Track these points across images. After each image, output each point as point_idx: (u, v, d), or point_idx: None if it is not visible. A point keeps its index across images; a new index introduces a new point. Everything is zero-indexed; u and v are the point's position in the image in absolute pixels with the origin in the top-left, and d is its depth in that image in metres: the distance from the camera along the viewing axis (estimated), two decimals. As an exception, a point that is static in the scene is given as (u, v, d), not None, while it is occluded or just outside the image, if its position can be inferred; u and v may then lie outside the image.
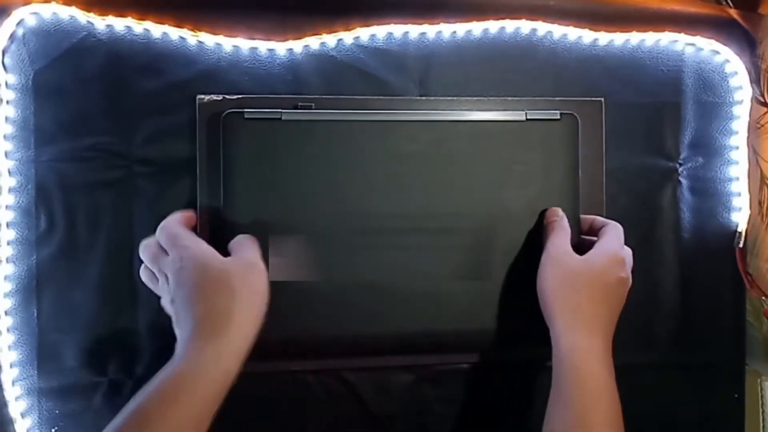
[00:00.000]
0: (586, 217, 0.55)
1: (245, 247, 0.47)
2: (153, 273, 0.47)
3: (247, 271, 0.44)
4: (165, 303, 0.46)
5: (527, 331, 0.53)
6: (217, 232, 0.51)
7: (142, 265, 0.48)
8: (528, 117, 0.55)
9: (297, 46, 0.55)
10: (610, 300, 0.48)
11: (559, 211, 0.52)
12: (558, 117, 0.55)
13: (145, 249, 0.47)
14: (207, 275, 0.43)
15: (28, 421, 0.52)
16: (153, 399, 0.39)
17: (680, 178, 0.59)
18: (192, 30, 0.53)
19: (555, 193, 0.55)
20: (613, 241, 0.49)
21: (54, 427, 0.53)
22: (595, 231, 0.53)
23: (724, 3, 0.58)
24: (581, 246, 0.51)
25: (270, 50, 0.54)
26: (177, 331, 0.44)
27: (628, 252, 0.51)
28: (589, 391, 0.44)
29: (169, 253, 0.45)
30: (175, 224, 0.47)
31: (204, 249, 0.45)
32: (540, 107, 0.56)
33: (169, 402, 0.39)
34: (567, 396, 0.44)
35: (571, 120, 0.55)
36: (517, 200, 0.55)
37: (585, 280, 0.47)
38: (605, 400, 0.44)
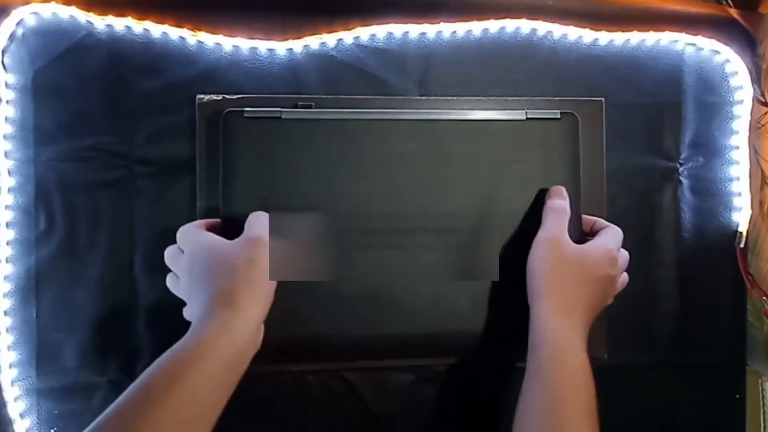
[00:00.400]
0: (588, 218, 0.54)
1: (252, 224, 0.46)
2: (176, 276, 0.48)
3: (250, 248, 0.44)
4: (185, 309, 0.47)
5: (528, 332, 0.53)
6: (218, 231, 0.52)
7: (169, 273, 0.49)
8: (528, 116, 0.55)
9: (297, 45, 0.55)
10: (596, 293, 0.48)
11: (563, 191, 0.51)
12: (558, 116, 0.55)
13: (166, 253, 0.48)
14: (212, 260, 0.44)
15: (27, 422, 0.52)
16: (156, 376, 0.38)
17: (681, 178, 0.59)
18: (192, 30, 0.53)
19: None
20: (609, 240, 0.50)
21: (53, 428, 0.53)
22: (595, 233, 0.53)
23: (724, 3, 0.58)
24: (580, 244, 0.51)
25: (270, 50, 0.54)
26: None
27: (624, 254, 0.51)
28: (570, 374, 0.43)
29: (184, 251, 0.46)
30: (191, 226, 0.48)
31: (211, 238, 0.46)
32: (540, 107, 0.56)
33: (174, 378, 0.37)
34: (547, 376, 0.43)
35: (571, 119, 0.55)
36: (518, 200, 0.55)
37: (576, 268, 0.47)
38: (585, 386, 0.43)
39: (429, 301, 0.55)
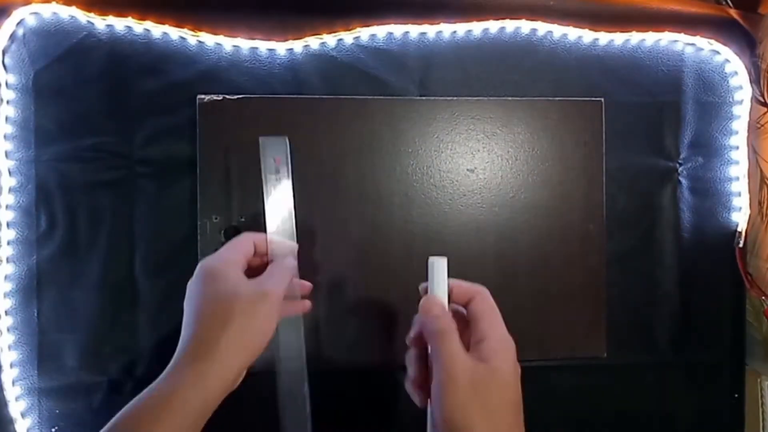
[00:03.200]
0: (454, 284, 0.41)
1: (272, 274, 0.42)
2: None
3: (255, 300, 0.39)
4: None
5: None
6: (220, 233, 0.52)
7: None
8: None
9: (297, 46, 0.55)
10: (518, 404, 0.38)
11: (434, 308, 0.39)
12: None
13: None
14: (211, 292, 0.39)
15: (28, 421, 0.52)
16: (123, 426, 0.36)
17: (680, 178, 0.59)
18: (192, 30, 0.53)
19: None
20: (497, 323, 0.39)
21: (54, 427, 0.53)
22: (461, 299, 0.40)
23: (724, 3, 0.58)
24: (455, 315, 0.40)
25: (270, 50, 0.55)
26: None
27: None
28: None
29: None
30: (230, 246, 0.43)
31: (223, 261, 0.41)
32: (540, 107, 0.56)
33: (137, 428, 0.35)
34: None
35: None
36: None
37: (497, 394, 0.36)
38: None
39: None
